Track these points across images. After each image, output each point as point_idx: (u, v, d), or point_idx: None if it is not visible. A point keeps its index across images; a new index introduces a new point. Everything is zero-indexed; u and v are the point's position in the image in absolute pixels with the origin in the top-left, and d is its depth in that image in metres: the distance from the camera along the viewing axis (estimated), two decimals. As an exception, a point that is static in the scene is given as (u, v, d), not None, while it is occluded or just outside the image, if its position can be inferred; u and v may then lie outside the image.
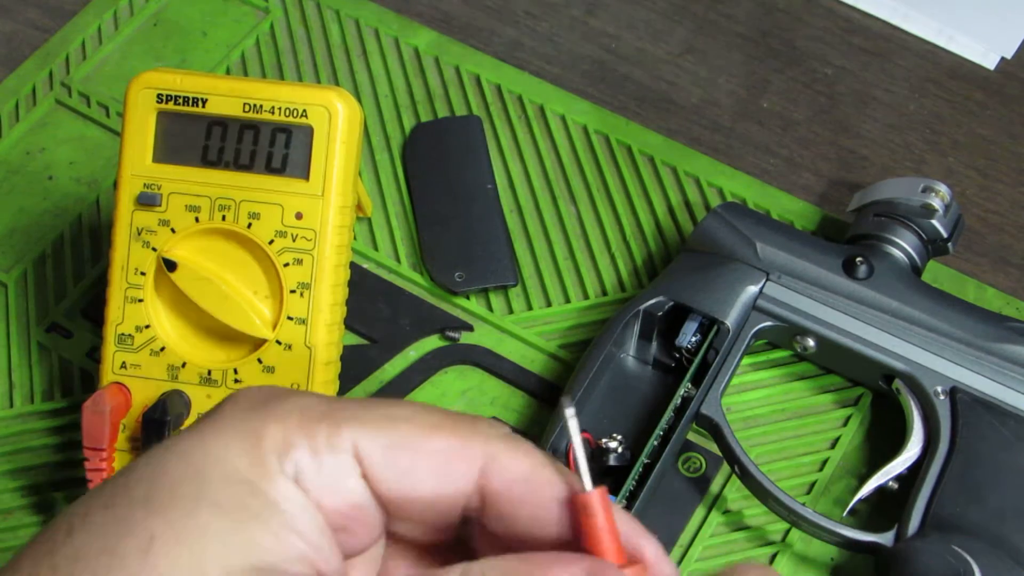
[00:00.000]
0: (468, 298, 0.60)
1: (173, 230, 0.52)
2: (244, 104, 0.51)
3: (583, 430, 0.53)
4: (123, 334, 0.52)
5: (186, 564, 0.28)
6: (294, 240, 0.51)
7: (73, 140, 0.66)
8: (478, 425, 0.31)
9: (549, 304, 0.60)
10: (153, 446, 0.31)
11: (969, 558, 0.47)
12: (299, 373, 0.51)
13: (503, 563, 0.29)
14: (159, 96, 0.52)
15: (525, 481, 0.31)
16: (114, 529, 0.29)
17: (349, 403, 0.31)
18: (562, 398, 0.36)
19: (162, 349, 0.52)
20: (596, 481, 0.50)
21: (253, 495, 0.29)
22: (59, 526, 0.29)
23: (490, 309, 0.60)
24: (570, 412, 0.34)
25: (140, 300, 0.52)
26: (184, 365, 0.52)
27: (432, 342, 0.59)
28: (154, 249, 0.52)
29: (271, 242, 0.51)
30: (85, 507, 0.30)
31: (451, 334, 0.59)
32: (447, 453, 0.31)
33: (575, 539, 0.31)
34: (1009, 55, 0.69)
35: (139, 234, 0.52)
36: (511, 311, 0.60)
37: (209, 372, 0.52)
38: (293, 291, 0.51)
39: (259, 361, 0.51)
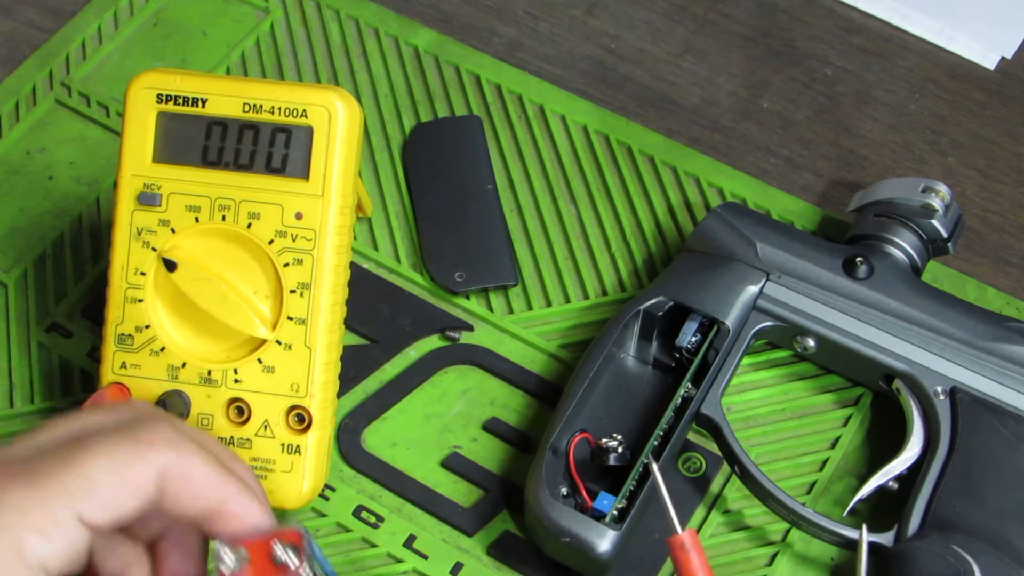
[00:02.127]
0: (468, 298, 0.60)
1: (173, 230, 0.52)
2: (244, 104, 0.51)
3: (582, 430, 0.53)
4: (123, 334, 0.52)
5: None
6: (294, 240, 0.51)
7: (73, 140, 0.66)
8: (150, 439, 0.39)
9: (549, 304, 0.60)
10: None
11: (969, 558, 0.47)
12: (299, 373, 0.51)
13: None
14: (159, 96, 0.52)
15: (185, 479, 0.40)
16: None
17: (51, 472, 0.38)
18: (649, 462, 0.48)
19: (162, 349, 0.52)
20: (595, 480, 0.51)
21: None
22: None
23: (490, 309, 0.60)
24: (655, 468, 0.47)
25: (140, 300, 0.52)
26: (184, 365, 0.52)
27: (432, 342, 0.59)
28: (154, 249, 0.52)
29: (271, 242, 0.51)
30: None
31: (451, 334, 0.59)
32: (139, 481, 0.39)
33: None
34: (1009, 55, 0.69)
35: (139, 234, 0.52)
36: (511, 311, 0.60)
37: (209, 372, 0.52)
38: (293, 291, 0.51)
39: (259, 361, 0.51)
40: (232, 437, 0.52)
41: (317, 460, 0.52)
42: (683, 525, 0.53)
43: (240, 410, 0.52)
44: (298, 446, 0.51)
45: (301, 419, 0.51)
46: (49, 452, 0.38)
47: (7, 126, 0.67)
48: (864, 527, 0.49)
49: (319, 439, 0.52)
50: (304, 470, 0.51)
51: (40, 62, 0.69)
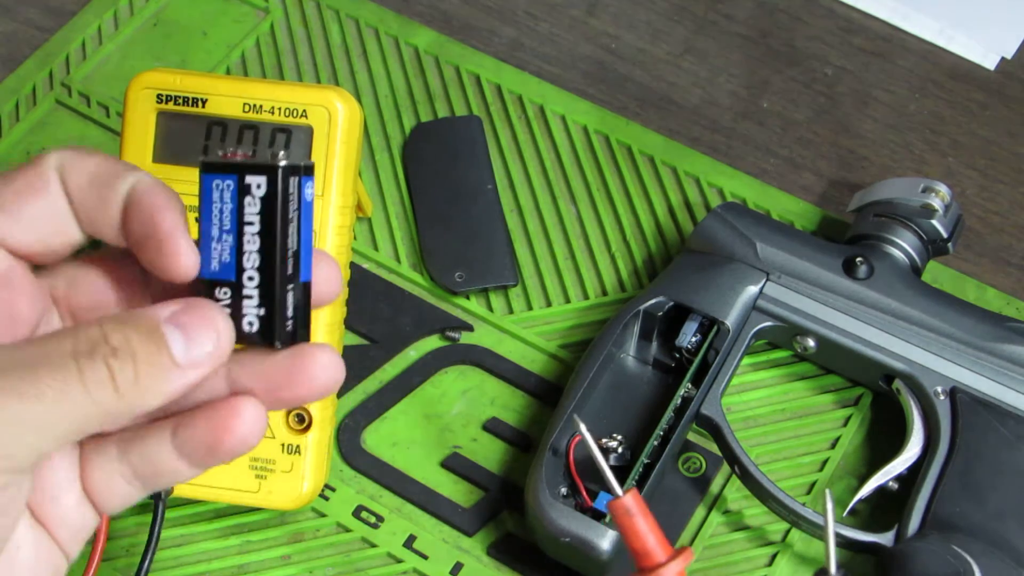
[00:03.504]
0: (468, 298, 0.60)
1: (173, 230, 0.52)
2: (244, 104, 0.51)
3: (583, 430, 0.53)
4: (123, 334, 0.52)
5: None
6: (294, 240, 0.51)
7: (73, 140, 0.66)
8: (45, 156, 0.34)
9: (549, 304, 0.60)
10: None
11: (969, 558, 0.47)
12: (299, 373, 0.51)
13: (116, 321, 0.32)
14: (159, 96, 0.52)
15: (95, 175, 0.34)
16: None
17: None
18: (575, 416, 0.42)
19: (162, 349, 0.52)
20: (595, 480, 0.50)
21: None
22: None
23: (490, 309, 0.60)
24: (583, 427, 0.43)
25: (140, 300, 0.52)
26: (184, 365, 0.52)
27: (432, 342, 0.59)
28: (154, 249, 0.52)
29: (271, 242, 0.51)
30: None
31: (451, 334, 0.59)
32: (30, 180, 0.34)
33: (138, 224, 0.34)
34: (1009, 55, 0.69)
35: (139, 234, 0.52)
36: (511, 311, 0.60)
37: (209, 372, 0.52)
38: (293, 291, 0.51)
39: (259, 361, 0.51)
40: (232, 437, 0.52)
41: (317, 460, 0.52)
42: (683, 525, 0.53)
43: (240, 410, 0.52)
44: (298, 446, 0.51)
45: (301, 419, 0.51)
46: None
47: (7, 126, 0.67)
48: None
49: (319, 439, 0.52)
50: (304, 470, 0.51)
51: (40, 62, 0.69)
